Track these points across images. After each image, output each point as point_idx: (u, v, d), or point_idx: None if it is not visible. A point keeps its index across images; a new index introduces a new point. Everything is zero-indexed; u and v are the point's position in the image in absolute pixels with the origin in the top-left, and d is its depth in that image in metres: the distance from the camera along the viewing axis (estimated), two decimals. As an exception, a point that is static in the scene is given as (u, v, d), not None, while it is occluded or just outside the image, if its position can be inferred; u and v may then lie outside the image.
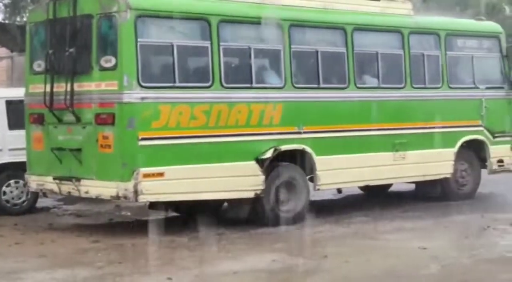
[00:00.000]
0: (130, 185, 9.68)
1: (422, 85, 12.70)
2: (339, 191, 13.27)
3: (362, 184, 12.85)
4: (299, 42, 11.30)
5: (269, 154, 10.75)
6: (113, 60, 9.85)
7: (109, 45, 10.02)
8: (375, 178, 12.12)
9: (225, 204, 11.32)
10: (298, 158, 11.15)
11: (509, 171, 13.93)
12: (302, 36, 11.39)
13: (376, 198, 13.47)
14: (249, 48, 10.80)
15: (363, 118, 11.91)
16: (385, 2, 12.58)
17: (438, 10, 19.34)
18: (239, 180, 10.48)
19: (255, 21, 10.92)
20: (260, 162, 10.69)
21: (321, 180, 11.28)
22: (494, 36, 13.89)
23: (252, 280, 8.00)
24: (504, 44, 13.89)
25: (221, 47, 10.46)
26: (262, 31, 11.03)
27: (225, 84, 10.49)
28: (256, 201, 10.70)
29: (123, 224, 11.44)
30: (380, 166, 12.00)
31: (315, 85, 11.49)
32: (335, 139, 11.51)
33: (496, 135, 13.59)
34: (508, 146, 13.81)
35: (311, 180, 11.34)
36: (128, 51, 9.78)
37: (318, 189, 11.43)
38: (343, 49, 11.73)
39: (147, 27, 10.05)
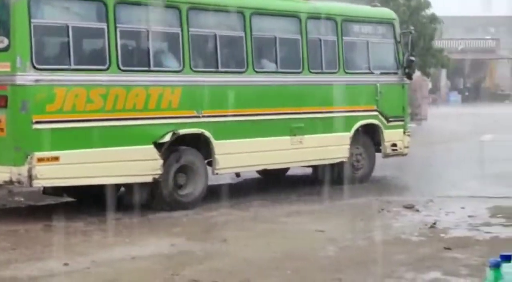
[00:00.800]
0: (24, 170, 9.45)
1: (319, 70, 12.85)
2: (238, 175, 13.29)
3: (260, 168, 12.92)
4: (197, 26, 11.22)
5: (167, 138, 10.67)
6: (6, 41, 9.54)
7: (1, 26, 9.69)
8: (273, 162, 12.21)
9: (123, 188, 11.17)
10: (197, 142, 11.11)
11: (402, 154, 14.29)
12: (200, 19, 11.32)
13: (274, 182, 13.58)
14: (147, 31, 10.66)
15: (262, 102, 11.97)
16: (283, -14, 12.64)
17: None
18: (137, 164, 10.36)
19: (153, 3, 10.78)
20: (158, 146, 10.60)
21: (219, 164, 11.28)
22: (388, 22, 14.16)
23: (151, 265, 7.91)
24: (398, 31, 14.17)
25: (118, 29, 10.28)
26: (160, 13, 10.91)
27: (122, 67, 10.32)
28: (154, 185, 10.62)
29: (16, 210, 11.13)
30: (278, 150, 12.09)
31: (214, 69, 11.45)
32: (234, 123, 11.52)
33: (390, 120, 13.88)
34: (402, 130, 14.15)
35: (210, 164, 11.32)
36: (21, 32, 9.49)
37: (217, 173, 11.43)
38: (242, 33, 11.73)
39: (41, 7, 9.76)
